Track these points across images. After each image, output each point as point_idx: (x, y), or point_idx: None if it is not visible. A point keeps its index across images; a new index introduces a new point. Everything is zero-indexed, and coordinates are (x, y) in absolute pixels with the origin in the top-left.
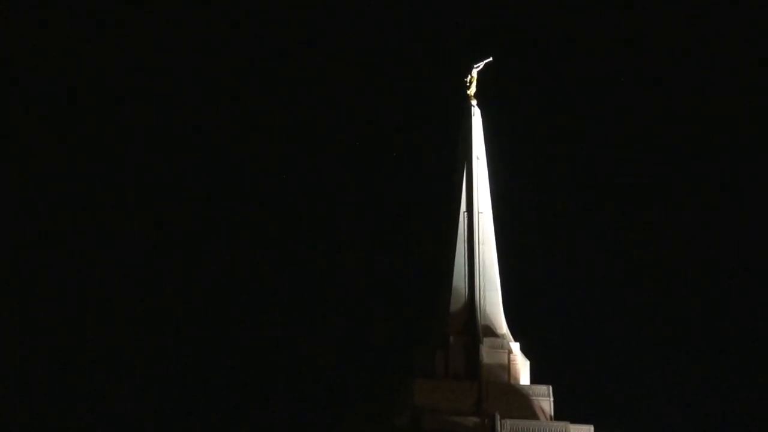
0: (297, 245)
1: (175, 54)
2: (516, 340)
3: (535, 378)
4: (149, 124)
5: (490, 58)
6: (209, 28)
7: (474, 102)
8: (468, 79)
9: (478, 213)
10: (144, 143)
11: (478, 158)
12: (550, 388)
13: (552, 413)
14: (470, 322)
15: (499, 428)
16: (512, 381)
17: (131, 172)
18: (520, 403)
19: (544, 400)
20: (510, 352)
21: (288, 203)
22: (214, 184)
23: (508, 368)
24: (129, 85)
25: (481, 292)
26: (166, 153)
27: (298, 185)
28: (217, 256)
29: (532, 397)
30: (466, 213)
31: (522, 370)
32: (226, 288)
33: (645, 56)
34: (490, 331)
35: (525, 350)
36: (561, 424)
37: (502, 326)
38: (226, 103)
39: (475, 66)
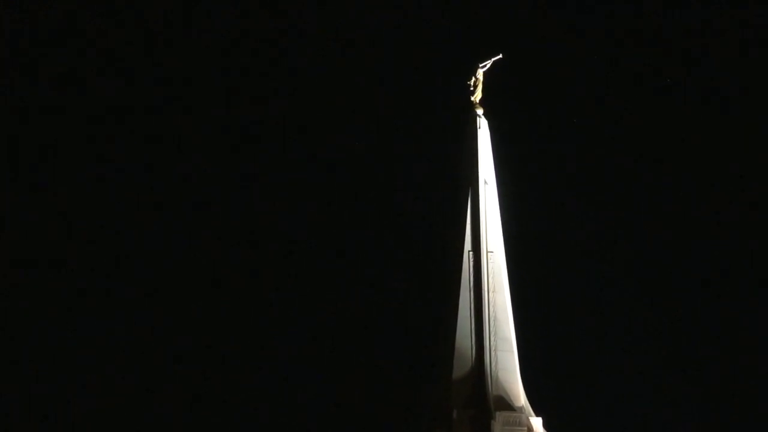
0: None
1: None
2: (537, 415)
3: None
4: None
5: (500, 56)
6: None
7: (480, 111)
8: (472, 83)
9: (487, 252)
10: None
11: (486, 183)
12: None
13: None
14: (479, 391)
15: None
16: None
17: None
18: None
19: None
20: (530, 429)
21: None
22: (214, 185)
23: None
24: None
25: (492, 353)
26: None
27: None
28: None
29: None
30: (471, 253)
31: None
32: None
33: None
34: (505, 404)
35: (549, 427)
36: None
37: (520, 397)
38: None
39: (481, 66)
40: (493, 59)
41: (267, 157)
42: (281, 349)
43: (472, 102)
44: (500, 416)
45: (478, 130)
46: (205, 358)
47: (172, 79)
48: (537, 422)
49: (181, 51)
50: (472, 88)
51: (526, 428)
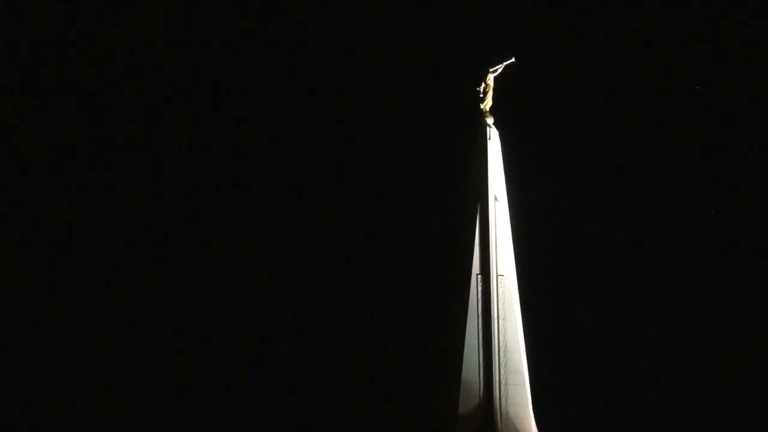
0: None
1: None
2: None
3: None
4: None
5: (513, 60)
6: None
7: (490, 120)
8: (482, 89)
9: (497, 276)
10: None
11: (496, 199)
12: None
13: None
14: (487, 428)
15: None
16: None
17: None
18: None
19: None
20: None
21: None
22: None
23: None
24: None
25: (502, 387)
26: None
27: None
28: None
29: None
30: (480, 276)
31: None
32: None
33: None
34: None
35: None
36: None
37: None
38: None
39: (491, 70)
40: (505, 63)
41: (261, 175)
42: (279, 379)
43: (482, 110)
44: None
45: (488, 141)
46: (209, 361)
47: (172, 80)
48: None
49: (181, 51)
50: (481, 95)
51: None
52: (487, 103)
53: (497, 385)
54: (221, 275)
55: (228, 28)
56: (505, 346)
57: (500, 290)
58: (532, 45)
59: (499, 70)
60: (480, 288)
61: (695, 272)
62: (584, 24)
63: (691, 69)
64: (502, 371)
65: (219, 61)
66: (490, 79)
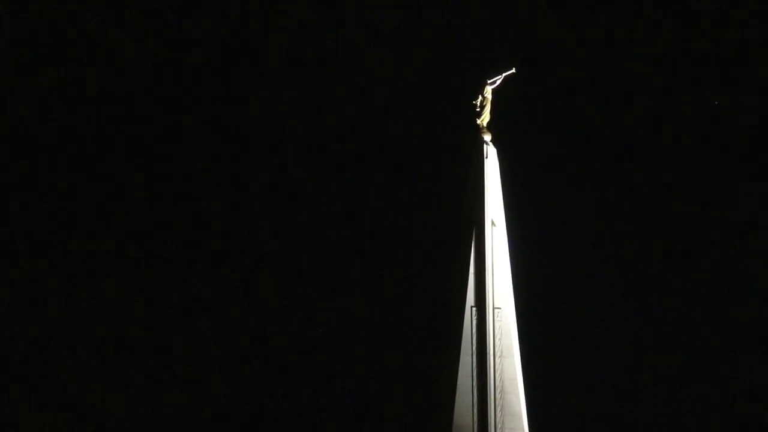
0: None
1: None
2: None
3: None
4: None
5: (513, 70)
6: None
7: (488, 137)
8: (479, 102)
9: (494, 309)
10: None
11: (494, 224)
12: None
13: None
14: None
15: None
16: None
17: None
18: None
19: None
20: None
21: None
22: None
23: None
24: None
25: (499, 429)
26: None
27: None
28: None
29: None
30: (475, 309)
31: None
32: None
33: None
34: None
35: None
36: None
37: None
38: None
39: (489, 81)
40: (504, 74)
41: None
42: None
43: (479, 126)
44: None
45: (485, 160)
46: (209, 360)
47: (171, 80)
48: None
49: (181, 51)
50: (478, 109)
51: None
52: (485, 118)
53: (493, 430)
54: (220, 275)
55: (227, 28)
56: (502, 387)
57: (497, 325)
58: (535, 54)
59: (498, 82)
60: (475, 322)
61: (702, 308)
62: (592, 31)
63: (699, 84)
64: (499, 415)
65: (218, 61)
66: (488, 91)
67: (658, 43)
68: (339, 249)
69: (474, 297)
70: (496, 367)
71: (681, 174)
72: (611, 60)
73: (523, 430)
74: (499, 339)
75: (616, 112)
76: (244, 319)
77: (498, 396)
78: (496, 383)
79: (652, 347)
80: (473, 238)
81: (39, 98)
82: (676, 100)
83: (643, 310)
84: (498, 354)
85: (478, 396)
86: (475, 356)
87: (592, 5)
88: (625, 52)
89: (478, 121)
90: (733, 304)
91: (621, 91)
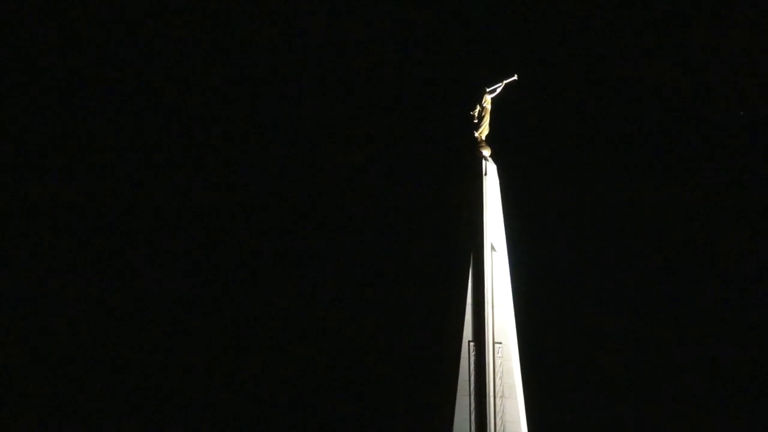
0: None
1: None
2: None
3: None
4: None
5: (515, 77)
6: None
7: (487, 152)
8: (476, 113)
9: (494, 344)
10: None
11: (494, 249)
12: None
13: None
14: None
15: None
16: None
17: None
18: None
19: None
20: None
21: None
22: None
23: None
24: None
25: None
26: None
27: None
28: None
29: None
30: (473, 344)
31: None
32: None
33: None
34: None
35: None
36: None
37: None
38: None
39: (488, 90)
40: (504, 82)
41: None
42: None
43: (477, 139)
44: None
45: (485, 178)
46: (206, 361)
47: (171, 80)
48: None
49: (181, 51)
50: (476, 121)
51: None
52: (483, 131)
53: None
54: (221, 275)
55: (226, 28)
56: (503, 430)
57: (498, 362)
58: (538, 60)
59: (498, 90)
60: (473, 359)
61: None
62: (599, 40)
63: (704, 93)
64: None
65: (216, 61)
66: (487, 101)
67: (668, 56)
68: (323, 272)
69: (472, 331)
70: (497, 409)
71: (690, 192)
72: (621, 67)
73: None
74: (500, 377)
75: (629, 125)
76: (238, 326)
77: None
78: (497, 427)
79: (666, 380)
80: (471, 265)
81: (33, 98)
82: (685, 113)
83: (661, 346)
84: (499, 394)
85: None
86: (473, 397)
87: (599, 13)
88: (635, 61)
89: (477, 134)
90: (734, 311)
91: (632, 99)
